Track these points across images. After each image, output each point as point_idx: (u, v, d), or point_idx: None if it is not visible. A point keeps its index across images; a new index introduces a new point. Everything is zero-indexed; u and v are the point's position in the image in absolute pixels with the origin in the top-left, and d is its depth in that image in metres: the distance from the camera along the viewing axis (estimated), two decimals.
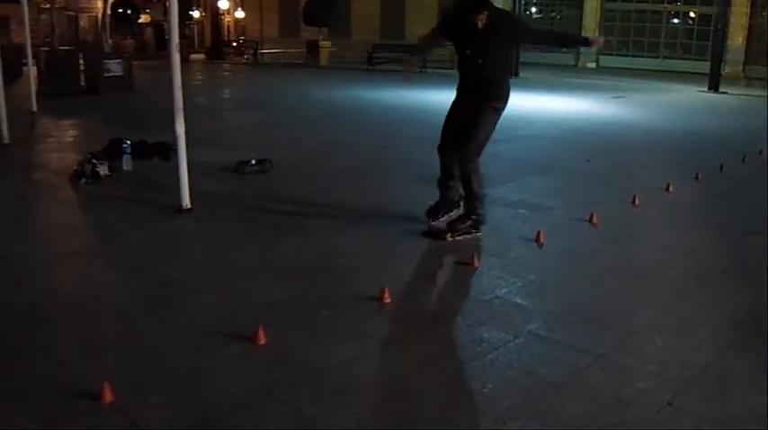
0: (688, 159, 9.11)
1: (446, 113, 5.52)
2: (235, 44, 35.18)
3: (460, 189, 5.50)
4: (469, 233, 5.39)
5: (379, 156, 9.06)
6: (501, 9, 5.94)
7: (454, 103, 5.50)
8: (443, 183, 5.60)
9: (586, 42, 5.75)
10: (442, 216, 5.61)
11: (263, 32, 39.67)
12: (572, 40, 5.27)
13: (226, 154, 8.23)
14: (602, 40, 6.31)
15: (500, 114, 5.33)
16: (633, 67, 28.39)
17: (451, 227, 5.40)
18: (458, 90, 5.50)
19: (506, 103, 5.35)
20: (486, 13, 4.99)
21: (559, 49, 27.85)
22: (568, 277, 4.73)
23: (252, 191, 6.93)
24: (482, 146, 5.35)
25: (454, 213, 5.62)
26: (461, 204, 5.55)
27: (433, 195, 5.69)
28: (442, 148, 5.49)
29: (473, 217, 5.42)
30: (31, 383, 3.14)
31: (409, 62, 5.54)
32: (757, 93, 20.57)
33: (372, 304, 4.06)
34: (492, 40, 5.09)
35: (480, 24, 5.02)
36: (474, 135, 5.24)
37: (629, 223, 6.07)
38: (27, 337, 3.64)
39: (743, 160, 8.94)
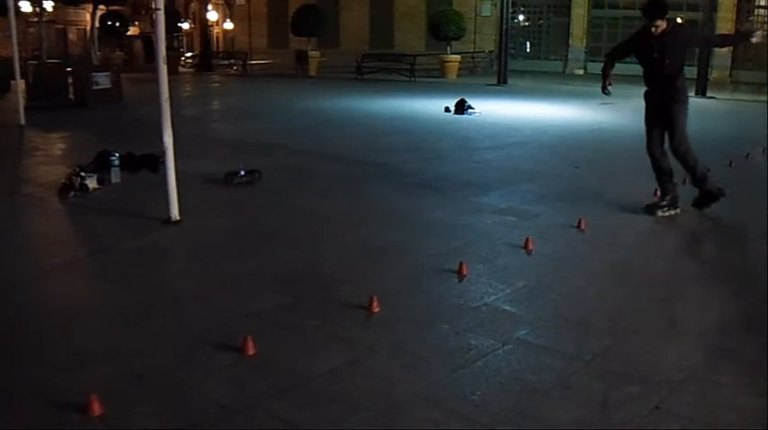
0: (675, 164, 9.13)
1: (644, 120, 6.57)
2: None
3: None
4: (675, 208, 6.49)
5: (369, 165, 9.06)
6: (678, 22, 7.18)
7: (648, 108, 6.54)
8: (659, 179, 6.59)
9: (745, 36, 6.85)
10: (666, 203, 6.51)
11: (251, 44, 39.73)
12: (733, 39, 6.64)
13: (215, 165, 8.24)
14: (759, 32, 6.94)
15: (687, 103, 6.40)
16: (621, 73, 28.42)
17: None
18: (647, 95, 6.55)
19: (687, 93, 6.47)
20: (667, 21, 6.17)
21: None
22: (556, 283, 4.74)
23: (241, 202, 6.93)
24: (684, 130, 6.36)
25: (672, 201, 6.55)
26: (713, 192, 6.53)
27: (423, 203, 5.69)
28: (651, 147, 6.50)
29: (707, 189, 6.49)
30: (19, 394, 3.13)
31: (605, 77, 7.03)
32: (744, 97, 20.73)
33: (361, 313, 4.07)
34: (671, 44, 6.18)
35: (661, 31, 6.14)
36: (676, 124, 6.29)
37: (616, 229, 6.10)
38: (15, 348, 3.63)
39: (730, 164, 8.99)
